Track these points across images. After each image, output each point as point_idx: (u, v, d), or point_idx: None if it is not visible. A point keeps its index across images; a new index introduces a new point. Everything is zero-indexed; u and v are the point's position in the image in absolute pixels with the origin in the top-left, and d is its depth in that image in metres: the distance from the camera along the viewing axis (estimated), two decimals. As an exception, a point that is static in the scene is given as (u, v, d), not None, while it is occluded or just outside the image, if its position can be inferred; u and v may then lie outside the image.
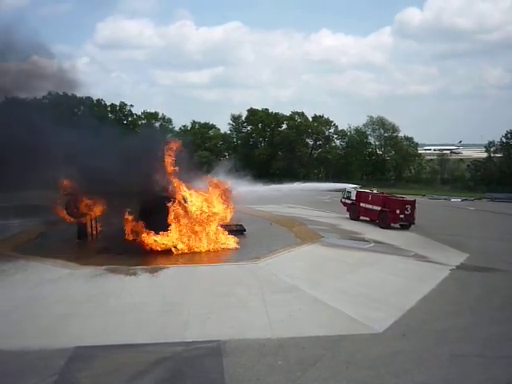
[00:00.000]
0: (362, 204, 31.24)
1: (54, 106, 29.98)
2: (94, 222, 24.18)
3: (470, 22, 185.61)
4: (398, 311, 13.10)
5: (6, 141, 20.21)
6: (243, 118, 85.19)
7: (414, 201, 29.62)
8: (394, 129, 79.87)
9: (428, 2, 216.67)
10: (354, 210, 31.94)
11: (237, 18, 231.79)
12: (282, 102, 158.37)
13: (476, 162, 73.01)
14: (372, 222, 30.16)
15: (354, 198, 31.92)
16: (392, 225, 28.85)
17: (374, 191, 32.04)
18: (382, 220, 29.33)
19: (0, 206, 29.34)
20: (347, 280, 16.04)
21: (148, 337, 10.92)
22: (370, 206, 30.53)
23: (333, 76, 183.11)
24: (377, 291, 14.88)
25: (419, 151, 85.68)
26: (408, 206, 28.85)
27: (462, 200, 52.61)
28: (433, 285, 16.01)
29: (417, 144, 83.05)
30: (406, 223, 28.83)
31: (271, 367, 9.49)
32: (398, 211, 28.69)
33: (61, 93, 32.29)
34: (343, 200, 33.44)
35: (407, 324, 12.25)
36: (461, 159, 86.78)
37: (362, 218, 31.30)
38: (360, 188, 34.50)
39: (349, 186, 34.48)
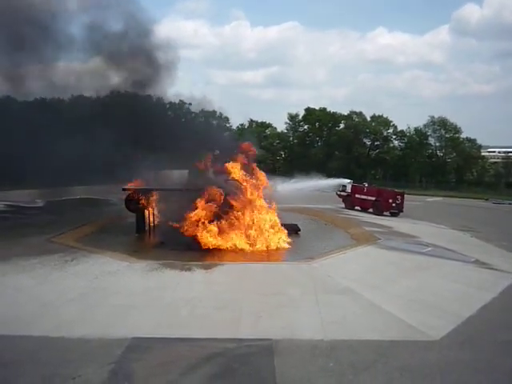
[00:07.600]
0: (356, 195, 37.34)
1: (116, 105, 30.99)
2: (152, 216, 24.85)
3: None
4: (456, 319, 12.54)
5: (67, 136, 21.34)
6: (300, 117, 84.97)
7: (403, 192, 36.40)
8: (456, 130, 77.22)
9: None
10: (349, 201, 37.92)
11: (291, 17, 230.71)
12: (338, 101, 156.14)
13: (544, 165, 69.33)
14: (389, 215, 34.92)
15: (350, 191, 38.05)
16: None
17: (366, 185, 38.35)
18: (377, 208, 35.37)
19: (64, 200, 30.85)
20: (404, 284, 15.58)
21: (201, 332, 11.05)
22: (364, 197, 36.68)
23: (390, 75, 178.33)
24: (434, 297, 14.36)
25: (482, 153, 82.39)
26: (398, 197, 35.25)
27: (529, 205, 50.10)
28: (495, 293, 15.20)
29: (480, 146, 79.86)
30: (396, 211, 35.08)
31: (323, 369, 9.37)
32: (390, 200, 35.06)
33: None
34: (339, 193, 39.44)
35: (466, 333, 11.72)
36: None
37: (356, 207, 37.40)
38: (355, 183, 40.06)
39: (344, 181, 40.23)
